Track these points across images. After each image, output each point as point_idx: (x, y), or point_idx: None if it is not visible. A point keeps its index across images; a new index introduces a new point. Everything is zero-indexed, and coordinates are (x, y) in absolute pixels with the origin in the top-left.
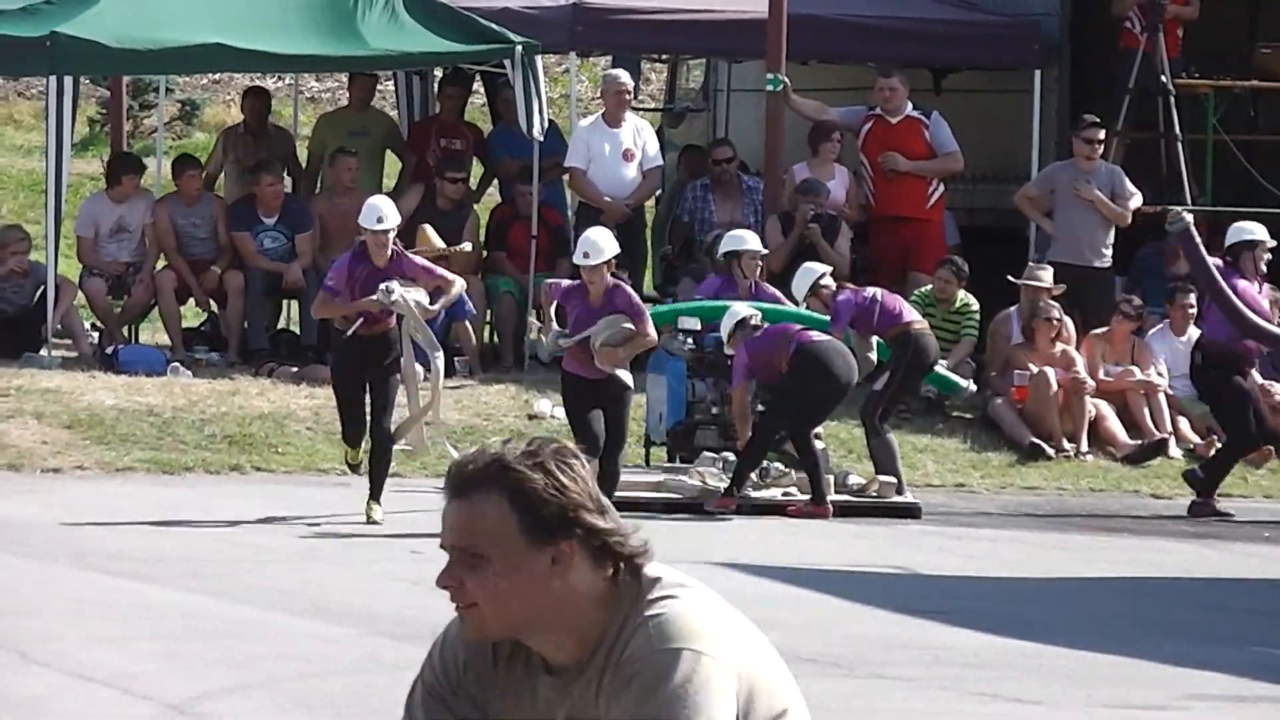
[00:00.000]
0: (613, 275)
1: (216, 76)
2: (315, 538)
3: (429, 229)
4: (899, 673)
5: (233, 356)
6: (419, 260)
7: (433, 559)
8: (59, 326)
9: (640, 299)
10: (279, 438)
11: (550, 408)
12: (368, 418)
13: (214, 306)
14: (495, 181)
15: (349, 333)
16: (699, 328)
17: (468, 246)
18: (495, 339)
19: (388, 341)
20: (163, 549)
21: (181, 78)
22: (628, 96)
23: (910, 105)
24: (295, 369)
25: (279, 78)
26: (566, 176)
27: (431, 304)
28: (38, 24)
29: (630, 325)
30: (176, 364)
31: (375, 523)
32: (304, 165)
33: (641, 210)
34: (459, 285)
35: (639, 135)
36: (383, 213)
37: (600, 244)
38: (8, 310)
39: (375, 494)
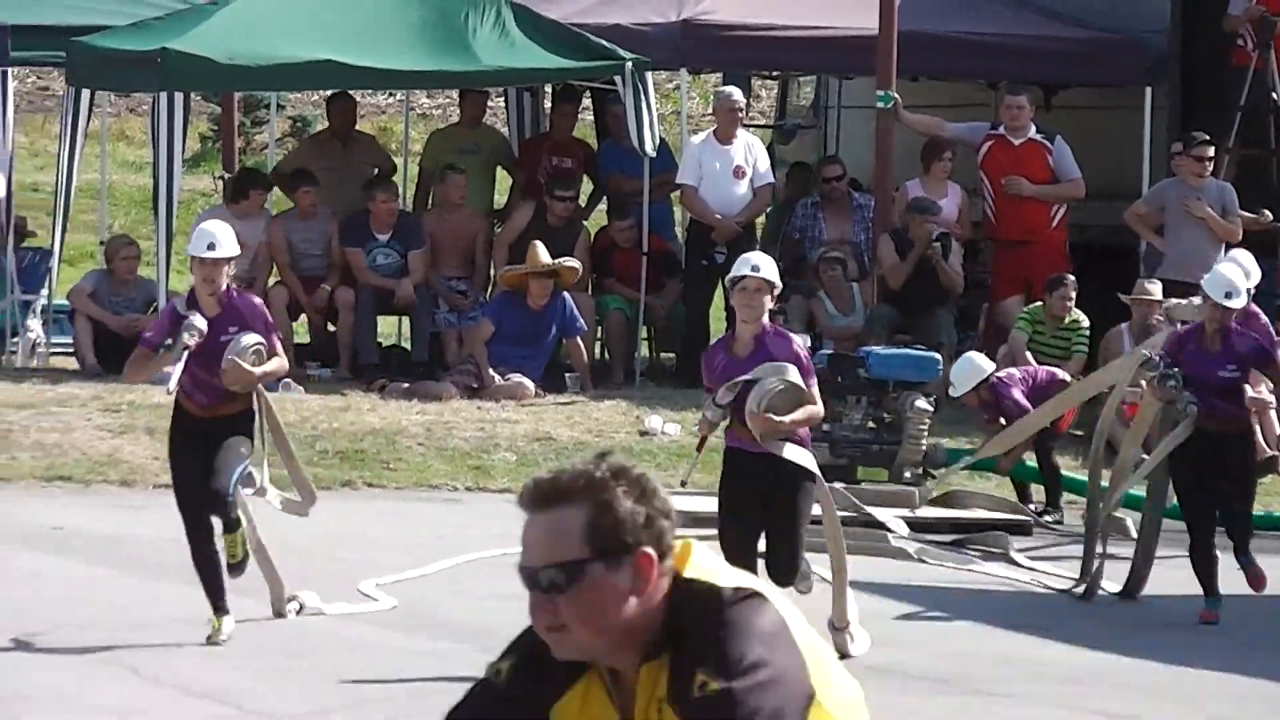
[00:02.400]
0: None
1: (327, 92)
2: (425, 553)
3: (539, 245)
4: (1004, 689)
5: (344, 372)
6: (257, 300)
7: None
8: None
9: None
10: (390, 453)
11: (661, 424)
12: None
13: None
14: (604, 199)
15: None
16: (809, 344)
17: (576, 263)
18: (605, 355)
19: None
20: (276, 561)
21: (292, 94)
22: (739, 113)
23: (1033, 127)
24: (406, 385)
25: (390, 94)
26: (677, 193)
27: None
28: (149, 40)
29: (796, 379)
30: (288, 380)
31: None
32: (415, 181)
33: (753, 228)
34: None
35: (750, 152)
36: (215, 238)
37: (762, 265)
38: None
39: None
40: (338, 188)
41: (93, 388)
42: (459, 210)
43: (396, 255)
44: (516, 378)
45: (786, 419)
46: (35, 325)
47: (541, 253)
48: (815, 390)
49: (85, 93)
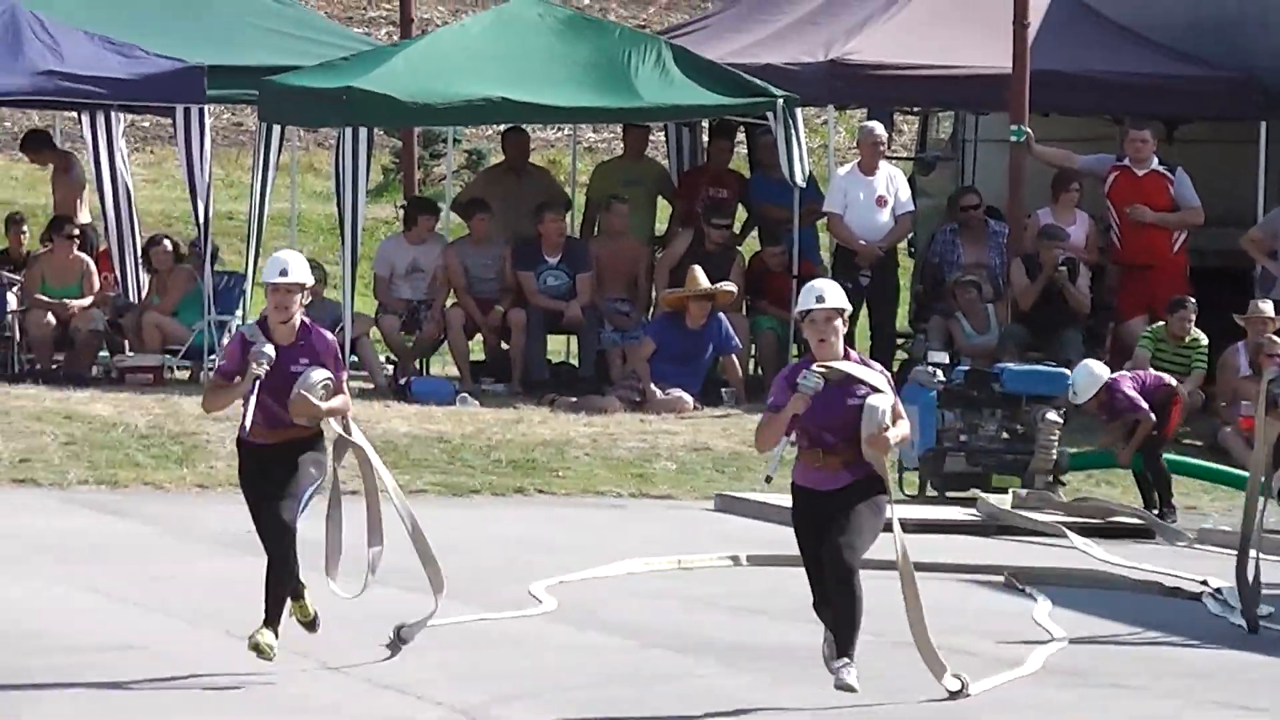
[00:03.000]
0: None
1: (501, 127)
2: (592, 555)
3: (698, 270)
4: (1128, 682)
5: (516, 387)
6: (330, 336)
7: (700, 576)
8: (354, 359)
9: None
10: (559, 462)
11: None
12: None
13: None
14: (757, 227)
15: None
16: (947, 361)
17: (731, 286)
18: (759, 371)
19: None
20: (452, 566)
21: (469, 129)
22: (881, 146)
23: (1156, 159)
24: (574, 399)
25: (559, 128)
26: (823, 221)
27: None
28: (335, 79)
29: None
30: (465, 394)
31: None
32: (583, 210)
33: (894, 251)
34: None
35: (892, 182)
36: (288, 265)
37: (827, 293)
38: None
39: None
40: (510, 216)
41: None
42: (623, 237)
43: (565, 278)
44: (676, 392)
45: (895, 437)
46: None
47: (700, 277)
48: (900, 408)
49: (276, 128)
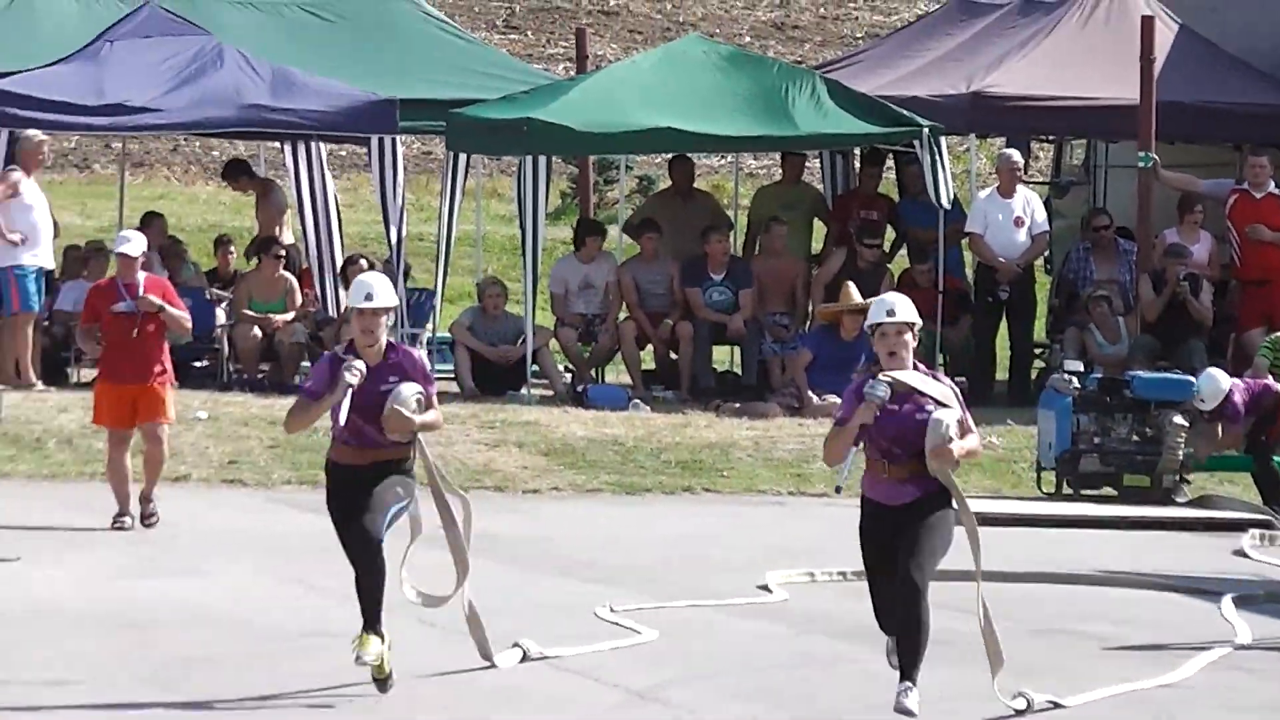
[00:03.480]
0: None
1: (668, 155)
2: (756, 547)
3: (851, 286)
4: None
5: (684, 394)
6: (417, 351)
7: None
8: (536, 369)
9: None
10: (724, 463)
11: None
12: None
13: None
14: (905, 246)
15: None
16: (1082, 369)
17: None
18: None
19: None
20: (628, 559)
21: (639, 156)
22: (1019, 172)
23: (1273, 183)
24: (737, 405)
25: (722, 156)
26: (966, 240)
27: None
28: (516, 110)
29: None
30: (637, 400)
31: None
32: (745, 231)
33: (1032, 268)
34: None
35: (1028, 205)
36: (373, 289)
37: (898, 307)
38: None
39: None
40: (678, 237)
41: (470, 407)
42: (782, 256)
43: (729, 294)
44: (831, 398)
45: (959, 448)
46: (421, 355)
47: (853, 292)
48: (969, 422)
49: (463, 156)
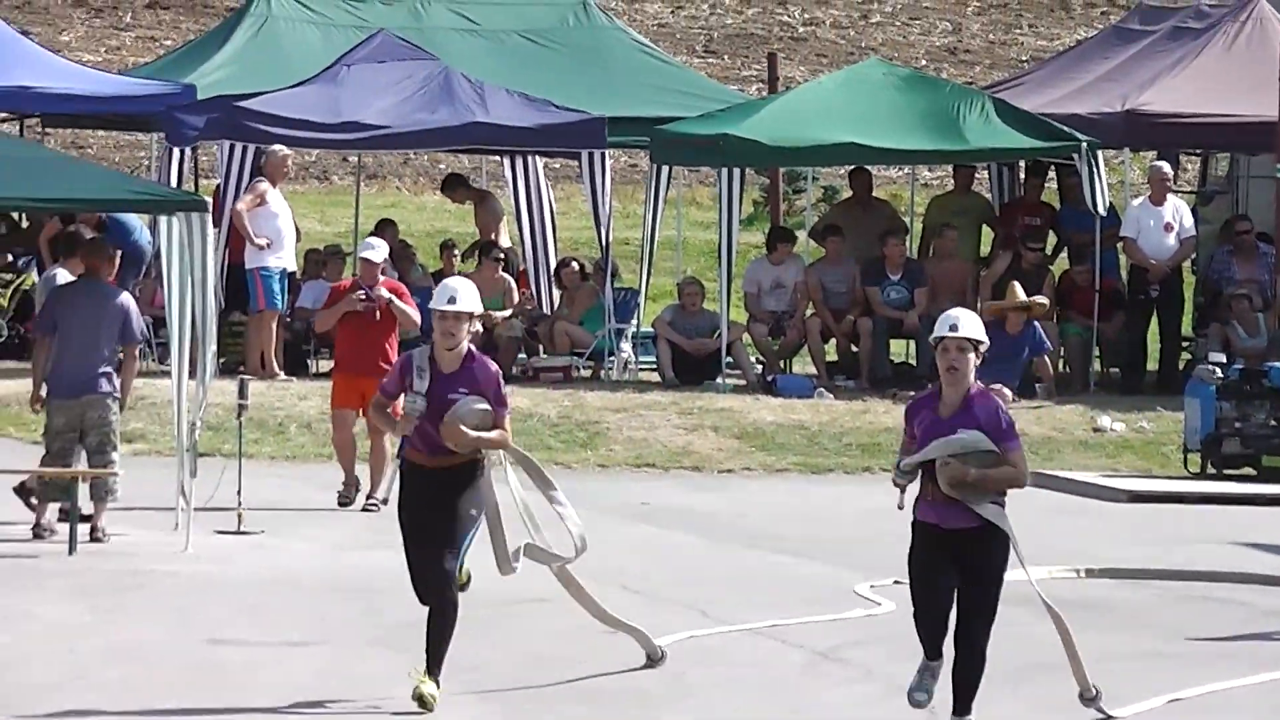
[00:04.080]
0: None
1: (850, 167)
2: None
3: (1016, 285)
4: None
5: (864, 383)
6: (495, 368)
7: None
8: (730, 360)
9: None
10: (899, 446)
11: (1110, 422)
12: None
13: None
14: (1065, 249)
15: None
16: (1224, 361)
17: (1044, 299)
18: (1067, 369)
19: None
20: (814, 532)
21: (823, 168)
22: (1169, 182)
23: None
24: (912, 394)
25: (899, 168)
26: (1120, 244)
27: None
28: (713, 127)
29: (987, 445)
30: (821, 389)
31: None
32: (920, 236)
33: (1180, 269)
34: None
35: (1177, 212)
36: (457, 293)
37: (961, 322)
38: (685, 346)
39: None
40: (859, 241)
41: (670, 395)
42: (953, 258)
43: (905, 292)
44: (997, 387)
45: (975, 472)
46: (626, 347)
47: (1018, 291)
48: (1018, 455)
49: (665, 168)
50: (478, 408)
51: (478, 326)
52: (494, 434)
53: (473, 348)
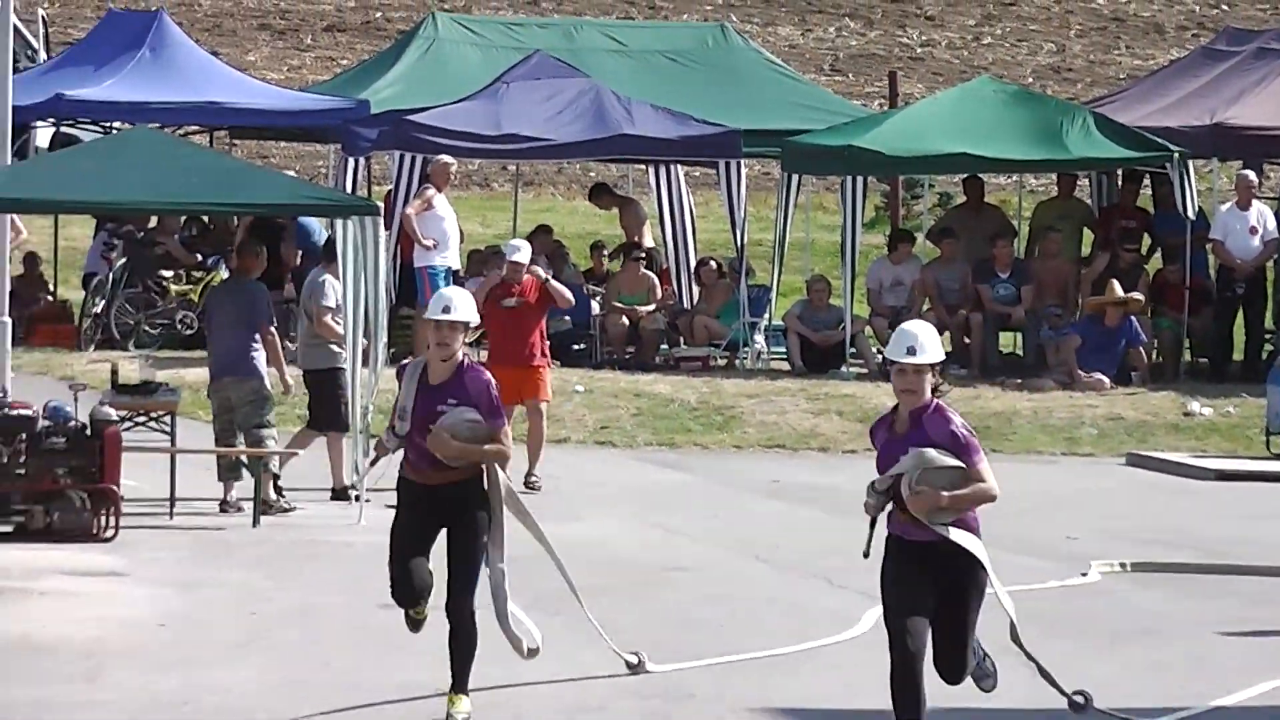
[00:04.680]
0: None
1: (963, 175)
2: (1035, 499)
3: (1114, 283)
4: None
5: (975, 372)
6: (487, 378)
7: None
8: (853, 350)
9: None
10: (1007, 429)
11: (1199, 407)
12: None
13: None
14: (1159, 250)
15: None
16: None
17: (1139, 296)
18: (1160, 360)
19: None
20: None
21: (939, 176)
22: (1254, 189)
23: None
24: (1019, 381)
25: (1008, 176)
26: (1209, 245)
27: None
28: (838, 138)
29: (949, 461)
30: None
31: None
32: (1026, 238)
33: (1263, 268)
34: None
35: (1262, 216)
36: (452, 303)
37: (920, 343)
38: (813, 338)
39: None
40: (971, 243)
41: (799, 383)
42: (1056, 258)
43: (1013, 289)
44: (1096, 375)
45: (946, 495)
46: (759, 339)
47: (1115, 288)
48: (983, 467)
49: (795, 176)
50: (467, 419)
51: (472, 337)
52: (488, 446)
53: (468, 358)
